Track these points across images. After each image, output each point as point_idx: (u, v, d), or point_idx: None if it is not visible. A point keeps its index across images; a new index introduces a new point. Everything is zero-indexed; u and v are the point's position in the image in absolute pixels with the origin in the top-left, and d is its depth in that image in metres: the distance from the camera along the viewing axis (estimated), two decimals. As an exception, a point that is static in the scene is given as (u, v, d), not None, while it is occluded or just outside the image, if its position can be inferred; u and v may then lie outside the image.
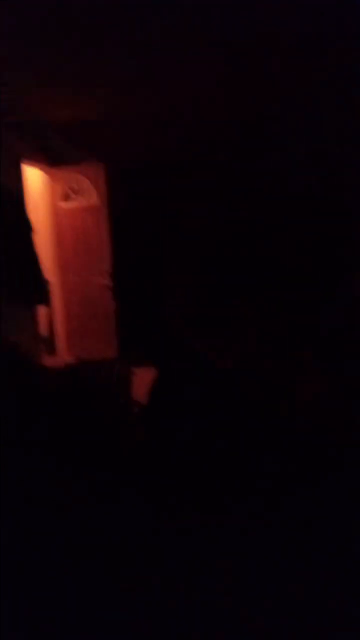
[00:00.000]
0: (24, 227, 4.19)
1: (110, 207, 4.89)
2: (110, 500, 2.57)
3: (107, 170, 4.84)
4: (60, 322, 5.51)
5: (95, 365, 4.17)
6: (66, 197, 5.10)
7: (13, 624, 1.77)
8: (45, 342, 5.52)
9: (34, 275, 4.27)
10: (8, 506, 2.31)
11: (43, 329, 5.50)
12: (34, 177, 5.16)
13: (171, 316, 5.04)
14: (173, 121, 4.66)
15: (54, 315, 5.51)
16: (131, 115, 4.57)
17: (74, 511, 2.44)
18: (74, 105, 4.17)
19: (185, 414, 3.74)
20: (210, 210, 4.84)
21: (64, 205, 5.12)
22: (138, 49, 3.02)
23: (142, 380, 4.41)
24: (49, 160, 4.98)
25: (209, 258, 4.92)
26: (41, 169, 5.06)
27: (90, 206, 4.96)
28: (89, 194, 4.95)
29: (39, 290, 4.33)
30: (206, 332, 4.93)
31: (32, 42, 2.85)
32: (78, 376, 4.03)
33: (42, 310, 5.24)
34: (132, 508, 2.51)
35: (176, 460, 3.17)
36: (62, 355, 5.47)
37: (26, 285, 4.18)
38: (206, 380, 4.22)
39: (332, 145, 4.23)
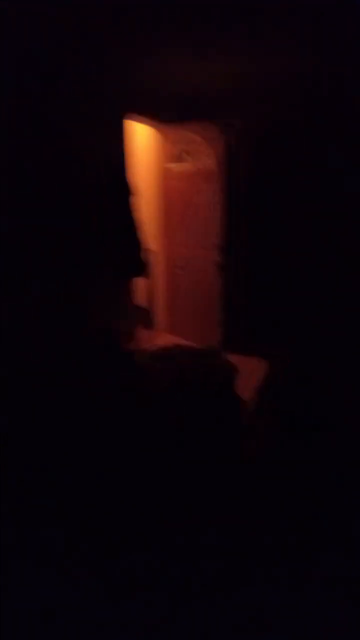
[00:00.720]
0: (123, 189, 3.75)
1: (226, 172, 4.29)
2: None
3: (226, 131, 4.21)
4: (161, 296, 5.11)
5: (195, 351, 3.72)
6: (178, 159, 4.58)
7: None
8: (144, 316, 5.18)
9: (132, 243, 3.86)
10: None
11: (142, 301, 5.16)
12: (142, 135, 4.67)
13: (288, 303, 4.47)
14: (297, 84, 4.07)
15: (156, 289, 5.12)
16: (255, 75, 3.97)
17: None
18: (193, 62, 3.65)
19: (305, 411, 3.27)
20: (339, 183, 4.13)
21: (174, 167, 4.61)
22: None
23: (248, 373, 3.94)
24: (160, 117, 4.44)
25: (335, 240, 4.24)
26: (151, 126, 4.54)
27: (204, 170, 4.40)
28: (204, 156, 4.38)
29: (137, 260, 3.92)
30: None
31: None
32: (173, 360, 3.60)
33: (141, 282, 4.87)
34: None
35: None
36: (161, 332, 5.11)
37: (124, 253, 3.79)
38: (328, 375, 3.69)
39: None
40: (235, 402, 3.30)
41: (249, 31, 3.00)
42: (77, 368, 3.13)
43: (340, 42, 3.23)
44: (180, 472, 2.62)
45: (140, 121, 4.30)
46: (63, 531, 2.20)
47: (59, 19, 2.60)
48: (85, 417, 2.83)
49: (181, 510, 2.38)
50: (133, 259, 3.92)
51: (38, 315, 3.15)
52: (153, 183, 4.81)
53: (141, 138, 4.66)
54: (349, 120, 4.04)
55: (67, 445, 2.69)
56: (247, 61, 3.78)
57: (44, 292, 3.15)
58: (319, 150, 4.15)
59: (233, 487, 2.56)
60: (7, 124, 2.82)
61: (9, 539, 2.14)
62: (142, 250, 3.94)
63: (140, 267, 3.99)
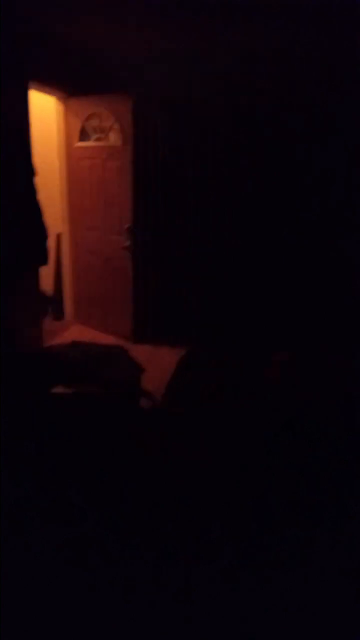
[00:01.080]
0: (25, 168, 3.37)
1: (136, 150, 4.00)
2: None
3: (136, 106, 3.92)
4: (69, 284, 4.76)
5: (98, 349, 3.46)
6: (84, 135, 4.23)
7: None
8: (52, 306, 4.82)
9: (34, 228, 3.49)
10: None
11: (49, 290, 4.79)
12: (46, 108, 4.28)
13: (202, 289, 4.28)
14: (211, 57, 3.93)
15: (64, 276, 4.76)
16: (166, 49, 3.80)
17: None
18: (104, 30, 3.38)
19: (214, 404, 3.12)
20: (253, 161, 4.00)
21: (80, 144, 4.26)
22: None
23: (158, 363, 3.73)
24: (66, 88, 4.07)
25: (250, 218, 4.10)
26: (56, 97, 4.16)
27: (112, 147, 4.09)
28: (112, 132, 4.06)
29: (40, 246, 3.56)
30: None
31: None
32: (83, 349, 3.33)
33: (48, 270, 4.50)
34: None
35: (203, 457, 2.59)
36: (71, 323, 4.76)
37: (26, 239, 3.42)
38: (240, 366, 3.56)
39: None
40: (140, 399, 3.08)
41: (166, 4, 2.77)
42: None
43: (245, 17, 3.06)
44: (81, 473, 2.42)
45: (44, 92, 3.91)
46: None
47: None
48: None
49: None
50: (37, 247, 3.55)
51: None
52: (58, 161, 4.43)
53: (43, 112, 4.27)
54: (263, 96, 3.92)
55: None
56: (160, 35, 3.55)
57: None
58: (233, 126, 4.01)
59: (143, 482, 2.39)
60: None
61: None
62: (46, 237, 3.58)
63: (44, 255, 3.62)
